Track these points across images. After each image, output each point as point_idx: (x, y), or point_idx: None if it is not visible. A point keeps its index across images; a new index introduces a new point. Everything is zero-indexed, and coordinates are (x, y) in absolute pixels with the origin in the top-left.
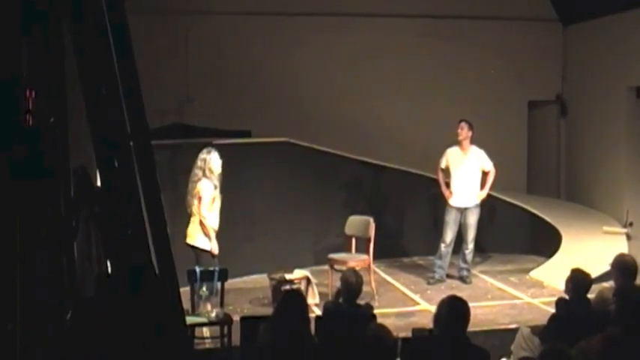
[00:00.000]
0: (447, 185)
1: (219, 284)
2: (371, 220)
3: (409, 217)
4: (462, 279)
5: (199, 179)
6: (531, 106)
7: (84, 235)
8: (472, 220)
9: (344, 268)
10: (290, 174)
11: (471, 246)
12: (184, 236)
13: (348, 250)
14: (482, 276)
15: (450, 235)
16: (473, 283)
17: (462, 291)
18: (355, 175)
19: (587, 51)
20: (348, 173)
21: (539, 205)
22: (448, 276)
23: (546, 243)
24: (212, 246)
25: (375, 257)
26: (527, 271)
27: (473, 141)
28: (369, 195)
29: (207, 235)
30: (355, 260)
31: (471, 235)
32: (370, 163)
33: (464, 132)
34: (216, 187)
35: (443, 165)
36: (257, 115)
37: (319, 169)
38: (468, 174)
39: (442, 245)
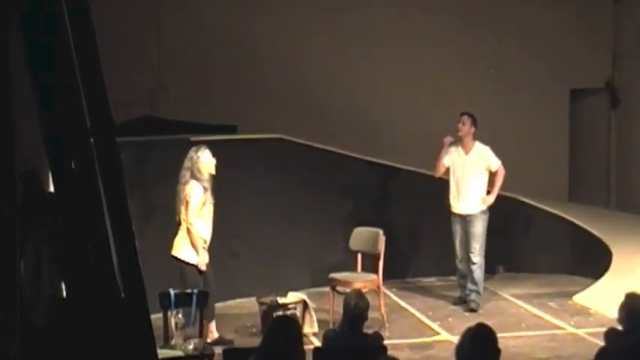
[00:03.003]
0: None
1: (197, 310)
2: (380, 232)
3: (426, 230)
4: (468, 304)
5: (187, 181)
6: (574, 96)
7: (33, 251)
8: (477, 228)
9: (348, 290)
10: (283, 177)
11: (477, 260)
12: (157, 252)
13: (353, 269)
14: (515, 300)
15: (460, 248)
16: (504, 309)
17: (491, 318)
18: (362, 178)
19: None
20: (353, 176)
21: (584, 216)
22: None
23: (593, 261)
24: (199, 259)
25: (386, 277)
26: (571, 295)
27: (478, 137)
28: (379, 202)
29: (194, 245)
30: (361, 281)
31: (476, 246)
32: (380, 163)
33: (465, 127)
34: (206, 190)
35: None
36: (244, 107)
37: (318, 171)
38: (470, 176)
39: (457, 261)
